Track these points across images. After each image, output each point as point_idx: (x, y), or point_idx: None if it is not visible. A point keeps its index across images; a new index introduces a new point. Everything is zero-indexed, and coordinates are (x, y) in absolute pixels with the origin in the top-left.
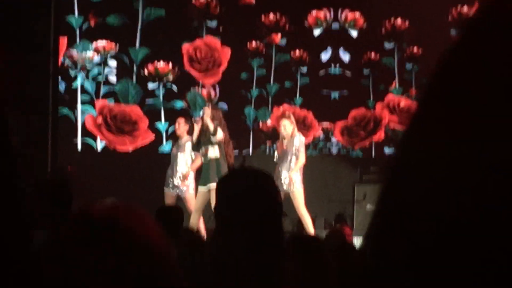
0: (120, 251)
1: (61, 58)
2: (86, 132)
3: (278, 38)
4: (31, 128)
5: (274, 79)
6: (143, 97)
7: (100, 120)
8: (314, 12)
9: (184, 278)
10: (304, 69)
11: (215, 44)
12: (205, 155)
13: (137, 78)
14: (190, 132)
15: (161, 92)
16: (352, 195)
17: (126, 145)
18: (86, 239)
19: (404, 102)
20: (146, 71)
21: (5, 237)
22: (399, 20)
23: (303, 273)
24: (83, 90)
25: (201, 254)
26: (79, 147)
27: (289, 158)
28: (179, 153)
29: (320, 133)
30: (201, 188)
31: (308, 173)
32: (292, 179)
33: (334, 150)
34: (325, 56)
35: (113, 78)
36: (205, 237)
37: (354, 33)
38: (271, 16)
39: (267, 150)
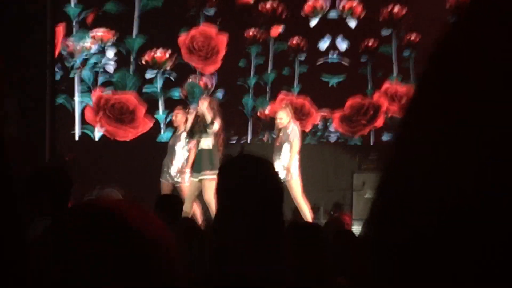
0: (119, 243)
1: (58, 48)
2: (84, 121)
3: (277, 31)
4: (29, 118)
5: (272, 67)
6: (140, 86)
7: (100, 113)
8: (311, 1)
9: (185, 269)
10: (302, 57)
11: (211, 32)
12: (198, 145)
13: (134, 67)
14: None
15: (158, 81)
16: (350, 183)
17: (128, 136)
18: (84, 231)
19: (401, 89)
20: (143, 60)
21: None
22: (396, 8)
23: (303, 260)
24: (81, 80)
25: (198, 242)
26: (77, 136)
27: (283, 148)
28: (176, 144)
29: (318, 122)
30: (193, 178)
31: (307, 161)
32: (288, 168)
33: (333, 138)
34: (323, 44)
35: (111, 68)
36: (201, 226)
37: (352, 22)
38: (269, 4)
39: (265, 138)
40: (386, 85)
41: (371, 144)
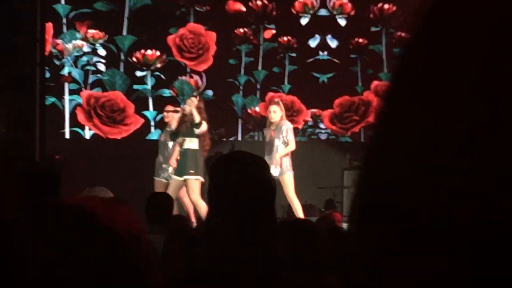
0: (88, 239)
1: (48, 46)
2: (74, 121)
3: (270, 33)
4: (18, 117)
5: (262, 66)
6: (130, 85)
7: (92, 114)
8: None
9: (172, 263)
10: (292, 56)
11: (199, 30)
12: (182, 144)
13: (124, 66)
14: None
15: (149, 80)
16: (341, 181)
17: (122, 133)
18: (55, 227)
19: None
20: (134, 59)
21: None
22: (386, 5)
23: (297, 257)
24: (71, 79)
25: (189, 240)
26: (67, 135)
27: (276, 144)
28: (168, 140)
29: (309, 119)
30: (176, 177)
31: (297, 159)
32: (281, 164)
33: (323, 136)
34: (313, 42)
35: (101, 67)
36: (193, 224)
37: (342, 20)
38: (259, 2)
39: (256, 137)
40: (375, 82)
41: (362, 141)
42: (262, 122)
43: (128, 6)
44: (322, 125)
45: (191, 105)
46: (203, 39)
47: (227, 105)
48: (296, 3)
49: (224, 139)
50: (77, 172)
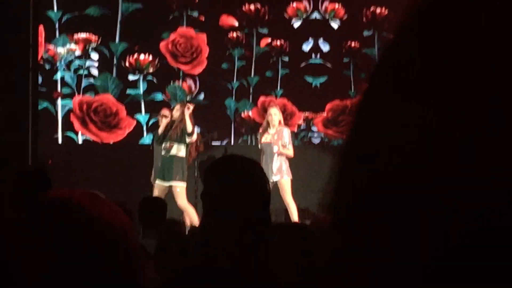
0: (71, 228)
1: (41, 51)
2: (67, 126)
3: (266, 41)
4: (11, 122)
5: (255, 69)
6: (123, 89)
7: (86, 119)
8: (294, 4)
9: (165, 266)
10: (285, 59)
11: (190, 33)
12: (168, 150)
13: (117, 70)
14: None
15: (141, 84)
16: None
17: (117, 137)
18: (39, 219)
19: None
20: (127, 63)
21: None
22: (378, 8)
23: (293, 260)
24: (64, 83)
25: (182, 244)
26: (60, 140)
27: (275, 147)
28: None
29: (302, 121)
30: (161, 182)
31: (290, 163)
32: (280, 168)
33: (317, 140)
34: (306, 46)
35: (94, 71)
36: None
37: (335, 24)
38: (252, 6)
39: (249, 141)
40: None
41: None
42: (255, 126)
43: (121, 11)
44: (314, 129)
45: (186, 113)
46: (195, 42)
47: (220, 109)
48: (289, 8)
49: (217, 143)
50: (69, 177)
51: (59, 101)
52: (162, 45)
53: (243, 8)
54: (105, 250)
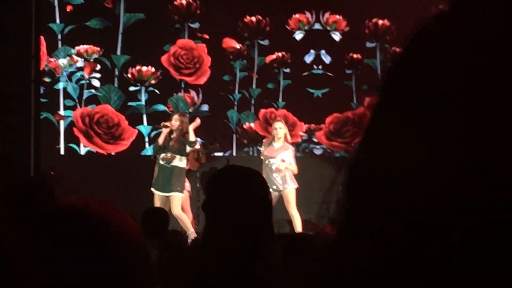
0: (88, 237)
1: (43, 61)
2: (69, 137)
3: (271, 58)
4: (13, 133)
5: (257, 81)
6: (125, 100)
7: (91, 133)
8: (296, 16)
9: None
10: (287, 71)
11: (190, 44)
12: (169, 161)
13: (119, 82)
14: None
15: (143, 96)
16: (336, 196)
17: (122, 148)
18: (56, 225)
19: None
20: (129, 75)
21: None
22: (381, 20)
23: (296, 270)
24: (66, 95)
25: (184, 254)
26: (62, 151)
27: (279, 160)
28: None
29: (303, 134)
30: (160, 193)
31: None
32: (285, 178)
33: (318, 151)
34: (308, 58)
35: (96, 82)
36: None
37: (336, 35)
38: (254, 18)
39: (251, 152)
40: (368, 99)
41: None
42: (257, 138)
43: (122, 22)
44: (315, 139)
45: (192, 125)
46: (196, 52)
47: (222, 121)
48: (291, 20)
49: (219, 154)
50: (72, 187)
51: (62, 112)
52: (163, 59)
53: (245, 20)
54: (122, 258)
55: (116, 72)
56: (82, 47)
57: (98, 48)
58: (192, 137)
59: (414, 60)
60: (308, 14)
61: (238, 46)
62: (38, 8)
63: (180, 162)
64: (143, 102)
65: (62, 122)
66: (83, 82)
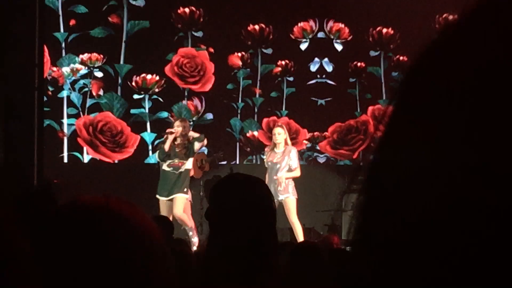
0: (108, 232)
1: (46, 70)
2: (73, 145)
3: (278, 69)
4: (16, 141)
5: (260, 89)
6: (128, 108)
7: (96, 143)
8: (300, 24)
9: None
10: (290, 79)
11: (191, 52)
12: (177, 167)
13: (122, 89)
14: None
15: (146, 104)
16: (340, 204)
17: (127, 155)
18: (74, 223)
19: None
20: (133, 83)
21: None
22: (385, 29)
23: (303, 279)
24: (69, 103)
25: (186, 266)
26: (66, 159)
27: (281, 166)
28: None
29: (307, 142)
30: (165, 199)
31: (296, 182)
32: (286, 187)
33: (322, 159)
34: (313, 66)
35: (99, 91)
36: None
37: (339, 45)
38: (257, 26)
39: (254, 160)
40: (371, 107)
41: (361, 164)
42: (260, 146)
43: (126, 30)
44: (321, 150)
45: (186, 128)
46: (198, 60)
47: (225, 129)
48: (295, 29)
49: (223, 163)
50: (75, 196)
51: (65, 120)
52: (167, 69)
53: (248, 28)
54: (144, 257)
55: (119, 80)
56: (86, 55)
57: (101, 56)
58: (196, 134)
59: (432, 67)
60: (312, 23)
61: (240, 63)
62: (42, 17)
63: (186, 165)
64: (146, 110)
65: (65, 129)
66: (86, 90)
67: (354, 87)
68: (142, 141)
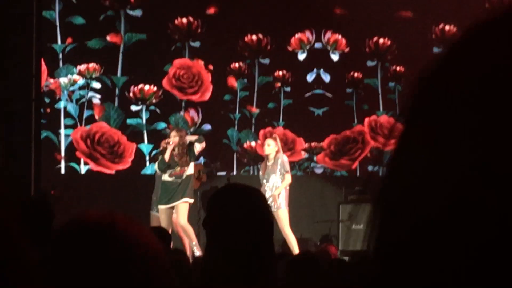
0: (115, 252)
1: (43, 81)
2: (70, 156)
3: (277, 84)
4: (13, 152)
5: (257, 99)
6: (125, 119)
7: (96, 155)
8: (297, 35)
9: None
10: (287, 90)
11: (187, 63)
12: (179, 176)
13: (119, 100)
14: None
15: (143, 114)
16: (337, 215)
17: (125, 166)
18: (81, 242)
19: (383, 120)
20: (131, 93)
21: None
22: (381, 39)
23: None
24: (66, 114)
25: (186, 274)
26: (63, 170)
27: (273, 177)
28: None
29: (305, 147)
30: (165, 206)
31: (293, 193)
32: (276, 199)
33: (319, 170)
34: (310, 77)
35: (97, 101)
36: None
37: (336, 55)
38: (254, 37)
39: (251, 171)
40: (367, 118)
41: (357, 175)
42: (257, 157)
43: (123, 41)
44: (319, 162)
45: (183, 137)
46: (195, 70)
47: (222, 140)
48: (292, 40)
49: (220, 174)
50: (73, 207)
51: (62, 131)
52: (164, 82)
53: (246, 39)
54: (148, 278)
55: (117, 91)
56: (83, 66)
57: (99, 66)
58: (193, 137)
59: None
60: (308, 34)
61: (235, 84)
62: (39, 28)
63: (188, 171)
64: (143, 121)
65: (62, 142)
66: (83, 101)
67: (351, 97)
68: (139, 152)
